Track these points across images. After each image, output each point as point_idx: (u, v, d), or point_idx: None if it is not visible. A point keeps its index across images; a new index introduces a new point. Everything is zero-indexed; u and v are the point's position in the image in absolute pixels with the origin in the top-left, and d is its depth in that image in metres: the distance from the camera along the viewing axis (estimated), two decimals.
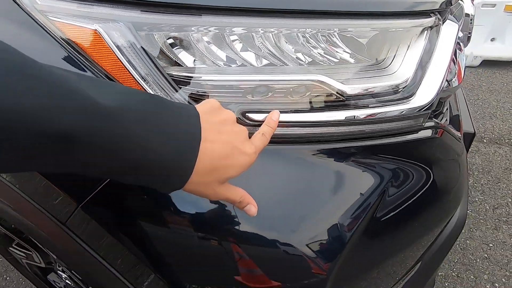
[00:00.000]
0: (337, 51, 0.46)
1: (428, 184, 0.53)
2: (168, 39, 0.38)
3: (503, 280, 1.09)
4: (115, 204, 0.42)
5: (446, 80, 0.60)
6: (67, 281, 0.84)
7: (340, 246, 0.41)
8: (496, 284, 1.08)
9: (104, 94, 0.24)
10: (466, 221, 1.27)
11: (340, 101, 0.44)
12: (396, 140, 0.51)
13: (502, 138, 1.84)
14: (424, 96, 0.51)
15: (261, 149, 0.34)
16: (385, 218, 0.47)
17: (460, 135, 0.72)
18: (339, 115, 0.44)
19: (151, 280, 0.46)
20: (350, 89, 0.44)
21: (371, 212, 0.45)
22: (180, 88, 0.38)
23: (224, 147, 0.29)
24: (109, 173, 0.27)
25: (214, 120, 0.30)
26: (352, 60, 0.47)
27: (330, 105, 0.43)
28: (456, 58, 0.65)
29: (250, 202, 0.36)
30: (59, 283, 0.92)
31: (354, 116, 0.45)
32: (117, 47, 0.35)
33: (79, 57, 0.36)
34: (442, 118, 0.68)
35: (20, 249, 0.86)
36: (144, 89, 0.36)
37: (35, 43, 0.37)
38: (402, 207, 0.49)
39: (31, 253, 0.84)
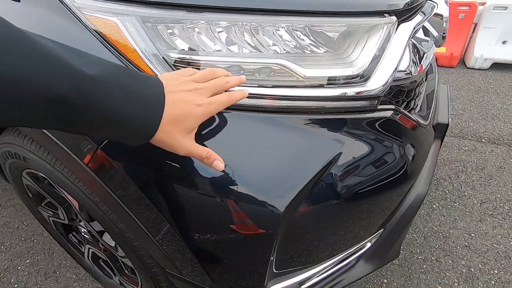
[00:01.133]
0: (306, 43, 0.58)
1: (380, 158, 0.64)
2: (168, 29, 0.51)
3: (479, 266, 1.16)
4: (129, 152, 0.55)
5: (406, 71, 0.71)
6: (85, 235, 1.00)
7: (293, 194, 0.53)
8: (472, 269, 1.15)
9: (89, 64, 0.31)
10: (452, 213, 1.35)
11: (300, 81, 0.55)
12: (353, 116, 0.62)
13: (501, 138, 1.88)
14: (377, 82, 0.61)
15: (218, 102, 0.43)
16: (338, 180, 0.59)
17: (425, 123, 0.81)
18: (299, 92, 0.55)
19: (167, 229, 0.58)
20: (309, 72, 0.56)
21: (324, 171, 0.56)
22: (176, 66, 0.51)
23: (183, 105, 0.38)
24: (93, 129, 0.34)
25: (177, 85, 0.40)
26: (318, 50, 0.59)
27: (292, 85, 0.55)
28: (418, 52, 0.75)
29: (217, 158, 0.43)
30: (78, 241, 1.08)
31: (312, 94, 0.56)
32: (130, 34, 0.48)
33: (104, 42, 0.50)
34: (407, 104, 0.78)
35: (48, 207, 1.03)
36: (148, 66, 0.50)
37: (74, 31, 0.51)
38: (353, 173, 0.60)
39: (57, 210, 1.00)
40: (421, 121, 0.79)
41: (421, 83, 0.87)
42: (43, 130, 0.60)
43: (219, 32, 0.53)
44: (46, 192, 0.92)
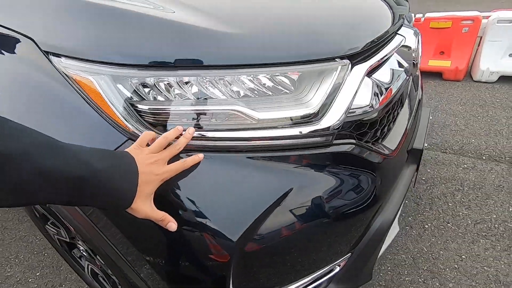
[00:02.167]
0: (265, 89, 0.65)
1: (335, 188, 0.69)
2: (136, 84, 0.60)
3: None
4: None
5: (368, 105, 0.76)
6: (83, 253, 1.09)
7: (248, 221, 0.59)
8: None
9: (95, 159, 0.46)
10: (445, 233, 1.35)
11: (253, 124, 0.62)
12: (309, 152, 0.68)
13: (503, 155, 1.84)
14: (330, 120, 0.67)
15: (172, 170, 0.55)
16: (292, 210, 0.64)
17: (388, 153, 0.85)
18: (252, 133, 0.62)
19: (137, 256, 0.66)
20: (263, 115, 0.62)
21: (278, 203, 0.62)
22: (143, 116, 0.60)
23: (145, 176, 0.51)
24: (93, 199, 0.47)
25: (141, 159, 0.52)
26: (276, 94, 0.66)
27: (246, 127, 0.62)
28: (379, 87, 0.80)
29: (170, 220, 0.54)
30: (79, 256, 1.18)
31: (266, 135, 0.63)
32: (103, 90, 0.57)
33: (84, 95, 0.60)
34: (373, 135, 0.83)
35: (53, 227, 1.13)
36: (118, 116, 0.58)
37: (60, 85, 0.61)
38: (306, 205, 0.65)
39: (59, 229, 1.10)
40: (385, 151, 0.83)
41: (390, 114, 0.91)
42: None
43: (180, 84, 0.61)
44: (49, 214, 1.03)
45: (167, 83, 0.59)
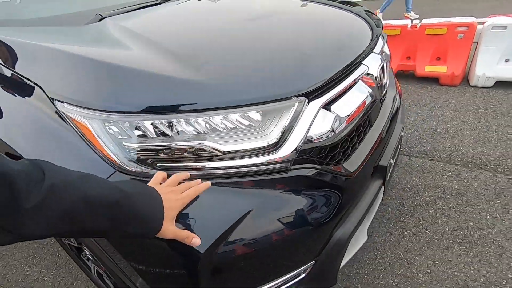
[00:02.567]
0: (230, 126, 0.77)
1: (293, 207, 0.81)
2: (124, 126, 0.73)
3: None
4: None
5: (327, 131, 0.87)
6: (89, 256, 1.25)
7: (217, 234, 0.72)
8: None
9: (126, 187, 0.56)
10: (422, 240, 1.45)
11: (219, 155, 0.75)
12: (269, 177, 0.80)
13: (488, 163, 1.90)
14: (287, 149, 0.79)
15: (188, 195, 0.67)
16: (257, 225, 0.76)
17: (350, 171, 0.96)
18: (220, 164, 0.75)
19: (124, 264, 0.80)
20: (226, 148, 0.75)
21: (240, 221, 0.75)
22: (128, 152, 0.73)
23: (167, 202, 0.61)
24: (129, 224, 0.54)
25: (161, 190, 0.63)
26: (240, 130, 0.78)
27: (215, 158, 0.75)
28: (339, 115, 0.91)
29: (194, 237, 0.64)
30: (87, 259, 1.34)
31: (231, 164, 0.76)
32: (95, 131, 0.71)
33: (82, 137, 0.74)
34: (333, 159, 0.94)
35: None
36: (108, 153, 0.72)
37: (63, 128, 0.75)
38: (266, 222, 0.78)
39: None
40: (346, 171, 0.95)
41: (354, 136, 1.02)
42: None
43: (159, 125, 0.74)
44: None
45: (151, 123, 0.73)
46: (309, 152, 0.86)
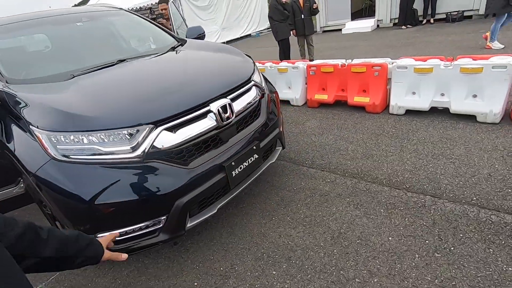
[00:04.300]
0: (105, 139, 1.55)
1: (147, 181, 1.55)
2: (58, 137, 1.53)
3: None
4: None
5: (169, 144, 1.62)
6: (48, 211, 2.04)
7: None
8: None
9: (83, 241, 0.93)
10: (281, 222, 2.09)
11: (102, 153, 1.52)
12: (131, 165, 1.56)
13: (359, 173, 2.50)
14: (138, 152, 1.55)
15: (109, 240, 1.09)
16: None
17: (193, 167, 1.68)
18: (104, 157, 1.52)
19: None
20: (108, 149, 1.52)
21: (112, 184, 1.50)
22: (60, 150, 1.53)
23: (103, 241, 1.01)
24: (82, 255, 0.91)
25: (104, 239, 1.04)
26: (114, 139, 1.55)
27: (102, 153, 1.53)
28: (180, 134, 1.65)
29: (122, 254, 1.03)
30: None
31: (111, 157, 1.53)
32: (44, 140, 1.52)
33: (39, 143, 1.55)
34: (179, 158, 1.67)
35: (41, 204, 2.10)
36: (49, 151, 1.52)
37: (34, 138, 1.58)
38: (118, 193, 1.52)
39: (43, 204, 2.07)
40: (187, 165, 1.67)
41: (200, 147, 1.74)
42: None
43: (72, 137, 1.53)
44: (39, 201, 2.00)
45: (71, 137, 1.51)
46: (158, 153, 1.61)
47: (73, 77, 2.04)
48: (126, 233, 1.61)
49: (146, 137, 1.57)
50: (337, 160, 2.76)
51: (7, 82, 2.01)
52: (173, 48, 2.59)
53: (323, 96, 3.96)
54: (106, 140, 1.53)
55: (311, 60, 6.41)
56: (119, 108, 1.63)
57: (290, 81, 4.30)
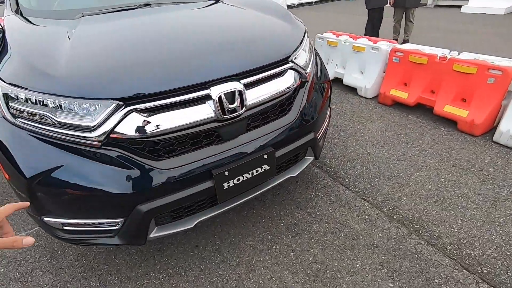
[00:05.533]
0: (66, 106, 1.18)
1: (102, 171, 1.17)
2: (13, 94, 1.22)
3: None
4: None
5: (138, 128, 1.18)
6: None
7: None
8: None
9: None
10: (280, 258, 1.59)
11: (55, 124, 1.17)
12: (86, 148, 1.18)
13: (415, 221, 1.76)
14: (97, 133, 1.15)
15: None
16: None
17: (165, 168, 1.24)
18: (56, 129, 1.17)
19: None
20: (62, 120, 1.16)
21: (57, 168, 1.16)
22: (11, 109, 1.23)
23: None
24: None
25: None
26: (72, 110, 1.18)
27: (54, 125, 1.18)
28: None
29: (24, 238, 0.54)
30: None
31: (62, 131, 1.17)
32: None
33: None
34: (150, 152, 1.24)
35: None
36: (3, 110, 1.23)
37: None
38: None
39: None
40: (159, 165, 1.23)
41: (185, 143, 1.27)
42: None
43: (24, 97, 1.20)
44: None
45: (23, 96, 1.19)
46: (124, 141, 1.19)
47: (82, 16, 1.71)
48: (77, 224, 1.31)
49: (110, 116, 1.15)
50: (390, 191, 2.02)
51: (15, 12, 1.78)
52: None
53: (402, 94, 3.02)
54: (61, 109, 1.16)
55: (404, 41, 5.14)
56: (91, 72, 1.23)
57: (365, 65, 3.39)
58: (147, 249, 1.73)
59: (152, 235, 1.36)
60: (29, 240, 0.55)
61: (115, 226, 1.32)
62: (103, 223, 1.30)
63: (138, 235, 1.33)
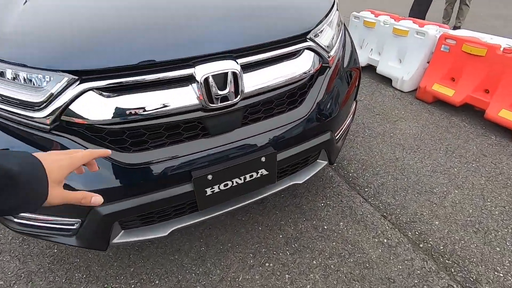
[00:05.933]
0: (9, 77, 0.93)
1: None
2: None
3: None
4: None
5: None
6: None
7: None
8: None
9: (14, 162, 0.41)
10: (274, 280, 1.33)
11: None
12: (31, 131, 0.94)
13: (446, 255, 1.40)
14: (47, 112, 0.90)
15: (78, 157, 0.52)
16: None
17: (129, 163, 0.97)
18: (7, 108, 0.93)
19: None
20: (4, 92, 0.92)
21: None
22: None
23: (48, 162, 0.46)
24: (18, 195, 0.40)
25: (48, 156, 0.48)
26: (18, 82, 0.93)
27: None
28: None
29: (93, 195, 0.51)
30: None
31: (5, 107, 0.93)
32: None
33: None
34: (113, 142, 0.97)
35: None
36: None
37: None
38: None
39: None
40: (125, 158, 0.97)
41: (160, 134, 1.00)
42: None
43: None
44: None
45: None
46: (79, 126, 0.93)
47: None
48: (29, 218, 1.10)
49: (60, 93, 0.89)
50: (418, 210, 1.66)
51: None
52: None
53: (447, 90, 2.53)
54: (5, 79, 0.92)
55: (455, 28, 4.45)
56: (41, 37, 0.96)
57: (405, 52, 2.89)
58: (126, 247, 1.52)
59: (116, 240, 1.13)
60: (98, 199, 0.53)
61: (72, 225, 1.09)
62: (58, 221, 1.09)
63: (98, 239, 1.11)
